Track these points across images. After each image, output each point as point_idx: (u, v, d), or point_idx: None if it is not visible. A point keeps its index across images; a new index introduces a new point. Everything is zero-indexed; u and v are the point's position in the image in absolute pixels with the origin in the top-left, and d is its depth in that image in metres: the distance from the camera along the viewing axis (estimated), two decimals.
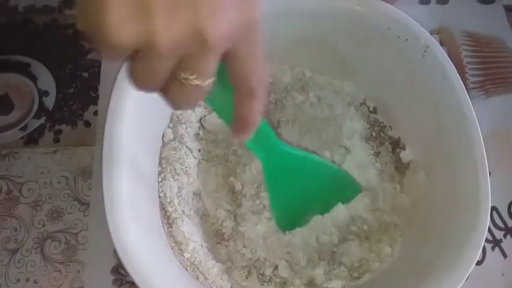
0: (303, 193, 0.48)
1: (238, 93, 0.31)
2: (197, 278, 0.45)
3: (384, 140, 0.53)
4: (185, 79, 0.27)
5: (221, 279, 0.46)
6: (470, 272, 0.39)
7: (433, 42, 0.47)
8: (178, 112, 0.51)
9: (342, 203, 0.49)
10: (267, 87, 0.31)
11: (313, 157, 0.49)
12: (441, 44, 0.64)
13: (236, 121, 0.32)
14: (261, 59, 0.30)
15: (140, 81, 0.27)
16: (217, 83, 0.29)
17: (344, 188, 0.50)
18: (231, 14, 0.26)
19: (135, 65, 0.26)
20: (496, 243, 0.57)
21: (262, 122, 0.36)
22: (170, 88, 0.28)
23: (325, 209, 0.49)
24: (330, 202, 0.49)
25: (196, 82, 0.27)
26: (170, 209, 0.48)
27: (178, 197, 0.49)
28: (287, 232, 0.49)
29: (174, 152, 0.49)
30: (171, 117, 0.51)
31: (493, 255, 0.56)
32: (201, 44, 0.25)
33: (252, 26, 0.28)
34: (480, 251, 0.39)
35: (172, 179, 0.48)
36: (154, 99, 0.30)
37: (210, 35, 0.25)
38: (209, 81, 0.28)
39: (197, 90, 0.28)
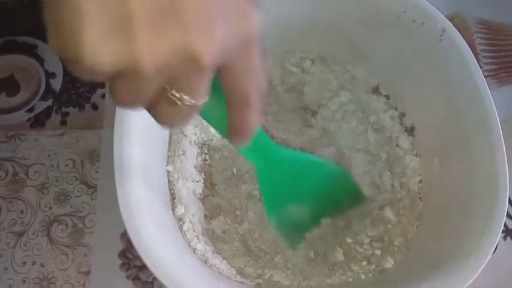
0: (302, 198, 0.46)
1: (233, 103, 0.28)
2: (205, 262, 0.45)
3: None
4: (179, 99, 0.25)
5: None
6: (487, 261, 0.38)
7: (450, 25, 0.46)
8: None
9: (348, 208, 0.48)
10: (263, 95, 0.29)
11: (312, 158, 0.47)
12: None
13: (232, 132, 0.30)
14: (258, 69, 0.27)
15: (124, 102, 0.24)
16: (211, 94, 0.27)
17: (347, 190, 0.48)
18: (224, 29, 0.23)
19: (117, 84, 0.23)
20: (508, 232, 0.56)
21: (258, 129, 0.35)
22: (160, 106, 0.25)
23: (330, 212, 0.47)
24: (334, 205, 0.47)
25: (190, 102, 0.25)
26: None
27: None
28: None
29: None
30: None
31: (505, 245, 0.56)
32: (193, 64, 0.23)
33: (249, 41, 0.26)
34: (499, 237, 0.38)
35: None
36: None
37: (202, 54, 0.22)
38: (203, 100, 0.26)
39: (191, 109, 0.26)
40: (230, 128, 0.30)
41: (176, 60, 0.22)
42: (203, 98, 0.26)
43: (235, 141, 0.32)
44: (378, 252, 0.46)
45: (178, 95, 0.24)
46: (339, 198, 0.47)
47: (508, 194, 0.40)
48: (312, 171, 0.45)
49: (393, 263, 0.45)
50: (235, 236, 0.49)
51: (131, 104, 0.25)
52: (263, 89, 0.29)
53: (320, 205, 0.47)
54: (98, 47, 0.21)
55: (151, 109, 0.26)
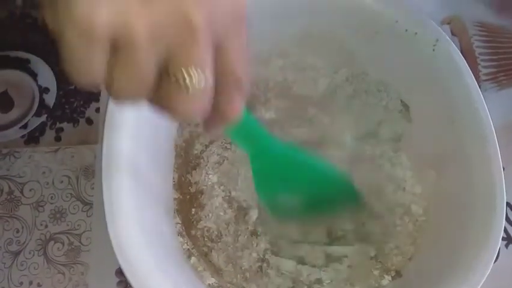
0: (295, 190, 0.45)
1: (223, 85, 0.27)
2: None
3: None
4: (182, 79, 0.24)
5: None
6: (487, 275, 0.37)
7: (443, 35, 0.45)
8: None
9: (343, 208, 0.47)
10: (249, 80, 0.28)
11: (307, 155, 0.45)
12: (452, 34, 0.62)
13: (216, 114, 0.28)
14: (246, 52, 0.27)
15: (125, 92, 0.24)
16: None
17: (342, 190, 0.47)
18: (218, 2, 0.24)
19: (114, 69, 0.23)
20: (510, 240, 0.55)
21: (246, 113, 0.34)
22: (165, 92, 0.25)
23: (324, 210, 0.47)
24: (328, 203, 0.47)
25: (193, 82, 0.24)
26: None
27: None
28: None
29: None
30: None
31: (507, 253, 0.55)
32: (187, 27, 0.23)
33: (241, 14, 0.26)
34: (496, 252, 0.37)
35: None
36: None
37: (196, 17, 0.23)
38: (209, 79, 0.25)
39: (197, 93, 0.25)
40: (214, 111, 0.28)
41: (168, 23, 0.23)
42: (206, 73, 0.25)
43: (215, 125, 0.30)
44: (376, 272, 0.45)
45: (179, 76, 0.24)
46: (333, 196, 0.46)
47: (504, 205, 0.39)
48: (305, 166, 0.44)
49: (390, 279, 0.45)
50: None
51: (133, 94, 0.24)
52: (249, 74, 0.28)
53: (313, 200, 0.46)
54: (92, 8, 0.21)
55: (157, 100, 0.25)
